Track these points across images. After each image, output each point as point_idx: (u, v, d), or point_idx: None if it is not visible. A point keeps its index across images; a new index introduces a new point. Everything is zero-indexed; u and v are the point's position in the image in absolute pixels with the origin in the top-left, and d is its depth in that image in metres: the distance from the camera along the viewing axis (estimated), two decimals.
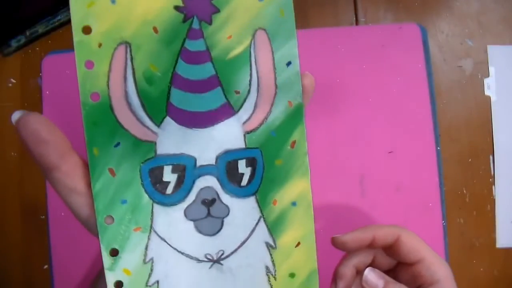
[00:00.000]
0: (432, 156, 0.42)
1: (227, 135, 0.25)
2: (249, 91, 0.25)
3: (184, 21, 0.24)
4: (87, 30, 0.23)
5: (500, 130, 0.42)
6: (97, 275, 0.29)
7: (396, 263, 0.29)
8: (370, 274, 0.27)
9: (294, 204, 0.26)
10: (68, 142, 0.23)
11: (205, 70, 0.24)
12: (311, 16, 0.44)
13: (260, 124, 0.25)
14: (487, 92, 0.43)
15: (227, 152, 0.25)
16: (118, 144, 0.24)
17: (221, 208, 0.25)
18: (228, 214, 0.25)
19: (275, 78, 0.25)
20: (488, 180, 0.42)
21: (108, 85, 0.23)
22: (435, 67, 0.43)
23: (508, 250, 0.41)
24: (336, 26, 0.44)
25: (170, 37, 0.24)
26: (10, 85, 0.46)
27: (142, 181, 0.24)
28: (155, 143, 0.24)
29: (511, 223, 0.42)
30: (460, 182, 0.42)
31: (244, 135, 0.25)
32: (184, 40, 0.24)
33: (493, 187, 0.42)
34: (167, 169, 0.24)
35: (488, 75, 0.43)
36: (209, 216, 0.25)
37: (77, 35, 0.22)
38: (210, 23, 0.24)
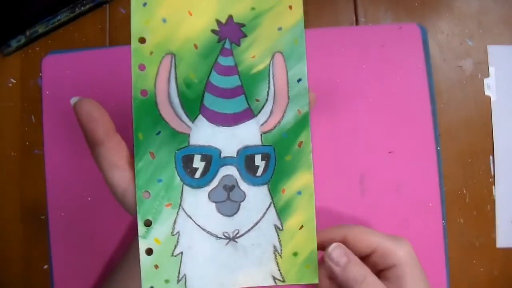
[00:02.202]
0: (432, 156, 0.42)
1: (247, 133, 0.30)
2: (267, 100, 0.30)
3: (219, 41, 0.30)
4: (142, 40, 0.30)
5: (500, 130, 0.42)
6: (114, 268, 0.32)
7: None
8: (334, 251, 0.28)
9: (299, 193, 0.31)
10: (113, 125, 0.27)
11: (233, 81, 0.30)
12: (311, 16, 0.44)
13: (274, 127, 0.31)
14: (487, 92, 0.43)
15: (247, 148, 0.30)
16: (159, 132, 0.29)
17: (239, 193, 0.30)
18: (244, 199, 0.30)
19: (288, 91, 0.31)
20: (488, 180, 0.42)
21: (155, 85, 0.29)
22: (435, 67, 0.43)
23: (508, 250, 0.42)
24: (336, 26, 0.44)
25: (207, 53, 0.30)
26: (10, 85, 0.46)
27: (176, 165, 0.29)
28: (189, 135, 0.29)
29: (511, 223, 0.42)
30: (460, 182, 0.42)
31: (261, 135, 0.31)
32: (218, 56, 0.30)
33: (493, 187, 0.42)
34: (197, 157, 0.29)
35: (488, 75, 0.43)
36: (228, 199, 0.30)
37: (134, 43, 0.29)
38: (238, 45, 0.30)
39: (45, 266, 0.44)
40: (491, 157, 0.42)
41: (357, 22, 0.44)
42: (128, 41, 0.46)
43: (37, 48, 0.46)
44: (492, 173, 0.42)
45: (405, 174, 0.41)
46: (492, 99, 0.43)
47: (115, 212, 0.43)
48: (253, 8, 0.31)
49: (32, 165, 0.44)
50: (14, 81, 0.46)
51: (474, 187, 0.42)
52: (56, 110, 0.44)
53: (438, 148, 0.42)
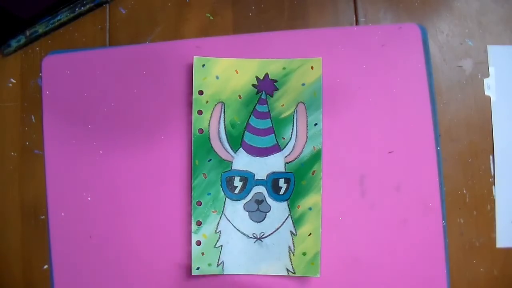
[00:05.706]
0: (432, 156, 0.42)
1: (275, 163, 0.40)
2: (290, 138, 0.40)
3: (257, 93, 0.41)
4: (200, 92, 0.40)
5: (500, 130, 0.42)
6: None
7: None
8: None
9: (310, 209, 0.40)
10: None
11: (266, 123, 0.41)
12: (311, 16, 0.44)
13: (295, 159, 0.40)
14: (487, 92, 0.43)
15: (274, 173, 0.40)
16: (210, 159, 0.40)
17: (266, 206, 0.40)
18: (269, 210, 0.40)
19: (307, 132, 0.40)
20: (488, 180, 0.42)
21: (209, 125, 0.40)
22: (435, 67, 0.43)
23: (508, 250, 0.42)
24: (336, 26, 0.44)
25: (248, 102, 0.41)
26: (10, 85, 0.46)
27: (221, 183, 0.41)
28: (232, 162, 0.41)
29: (511, 223, 0.42)
30: (460, 182, 0.42)
31: (285, 164, 0.40)
32: (256, 104, 0.41)
33: (493, 187, 0.42)
34: (237, 179, 0.40)
35: (488, 75, 0.43)
36: (258, 210, 0.40)
37: (195, 94, 0.40)
38: (272, 96, 0.41)
39: (45, 266, 0.44)
40: (491, 157, 0.42)
41: (357, 22, 0.44)
42: (127, 41, 0.46)
43: (37, 48, 0.46)
44: (492, 173, 0.42)
45: (405, 174, 0.41)
46: (492, 99, 0.43)
47: (115, 212, 0.43)
48: (284, 68, 0.41)
49: (32, 165, 0.44)
50: (14, 81, 0.46)
51: (474, 187, 0.42)
52: (56, 110, 0.44)
53: (438, 148, 0.42)
